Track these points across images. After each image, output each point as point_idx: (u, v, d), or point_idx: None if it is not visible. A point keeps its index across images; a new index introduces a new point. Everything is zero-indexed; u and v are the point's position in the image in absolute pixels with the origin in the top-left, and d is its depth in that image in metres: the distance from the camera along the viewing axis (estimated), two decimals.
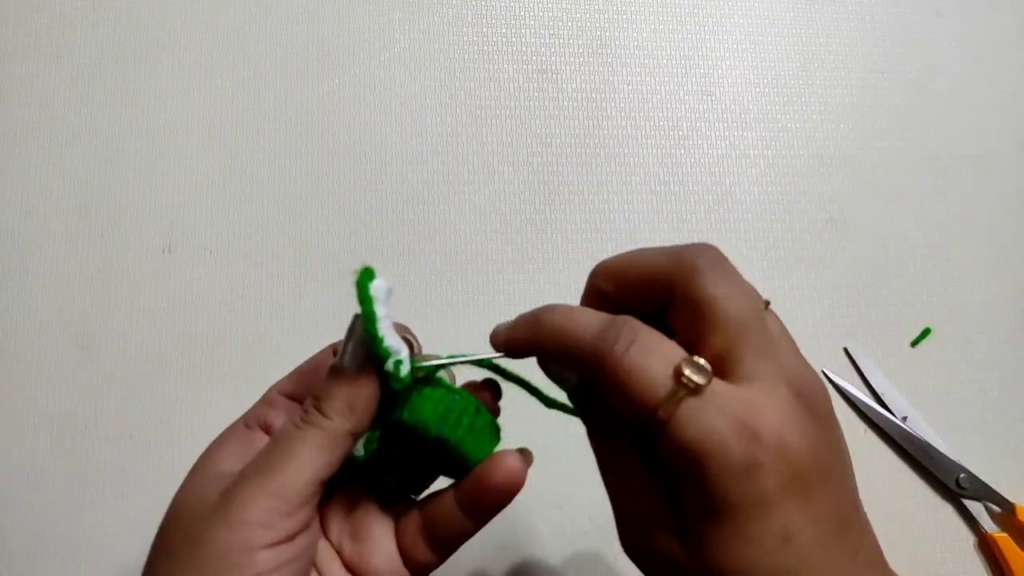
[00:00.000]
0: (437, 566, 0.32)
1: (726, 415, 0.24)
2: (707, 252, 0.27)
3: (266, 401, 0.33)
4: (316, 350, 0.34)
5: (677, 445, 0.24)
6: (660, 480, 0.26)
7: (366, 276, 0.27)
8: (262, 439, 0.31)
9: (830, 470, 0.25)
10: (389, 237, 0.54)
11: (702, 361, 0.25)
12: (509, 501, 0.31)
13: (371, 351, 0.28)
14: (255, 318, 0.51)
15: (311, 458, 0.28)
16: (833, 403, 0.28)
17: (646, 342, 0.26)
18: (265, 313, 0.52)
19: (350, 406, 0.28)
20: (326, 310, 0.51)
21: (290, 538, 0.27)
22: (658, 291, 0.28)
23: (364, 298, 0.27)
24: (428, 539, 0.31)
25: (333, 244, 0.53)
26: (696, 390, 0.24)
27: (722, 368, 0.25)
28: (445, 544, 0.32)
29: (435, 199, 0.55)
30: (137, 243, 0.53)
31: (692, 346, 0.26)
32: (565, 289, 0.54)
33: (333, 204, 0.54)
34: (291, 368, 0.34)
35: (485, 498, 0.31)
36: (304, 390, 0.32)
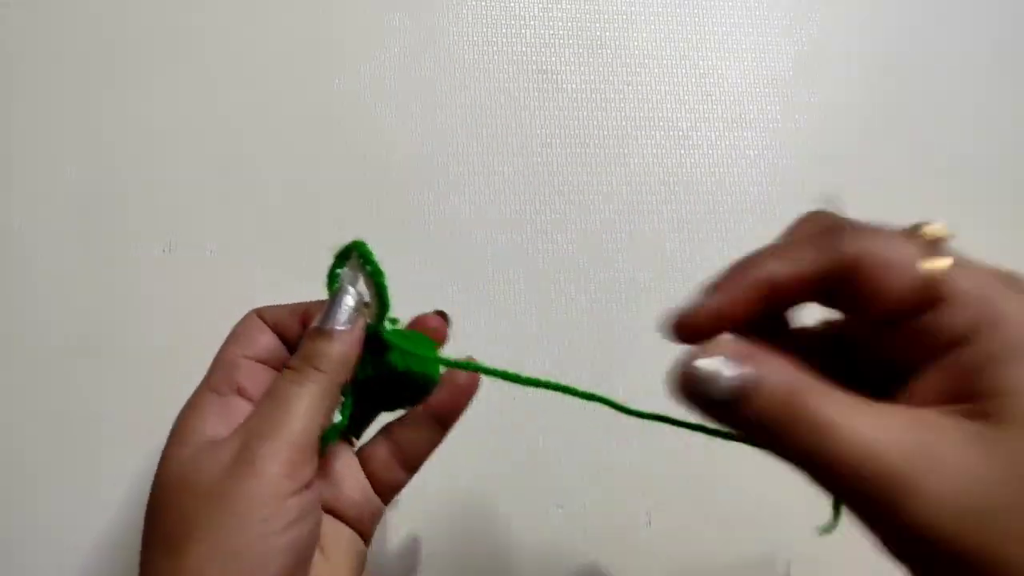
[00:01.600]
0: (406, 483, 0.35)
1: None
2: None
3: (228, 365, 0.33)
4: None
5: (954, 298, 0.22)
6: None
7: (363, 244, 0.32)
8: (240, 403, 0.32)
9: None
10: (389, 237, 0.54)
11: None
12: (475, 394, 0.35)
13: (378, 307, 0.32)
14: None
15: (315, 409, 0.30)
16: None
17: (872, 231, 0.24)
18: None
19: (343, 361, 0.31)
20: None
21: (308, 485, 0.29)
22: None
23: (369, 258, 0.31)
24: (401, 460, 0.35)
25: (332, 244, 0.53)
26: (943, 241, 0.23)
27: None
28: (417, 460, 0.35)
29: (435, 199, 0.55)
30: (137, 243, 0.53)
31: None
32: (565, 289, 0.54)
33: (333, 204, 0.54)
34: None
35: (457, 401, 0.34)
36: (293, 327, 0.34)
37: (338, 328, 0.31)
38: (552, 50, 0.59)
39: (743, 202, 0.58)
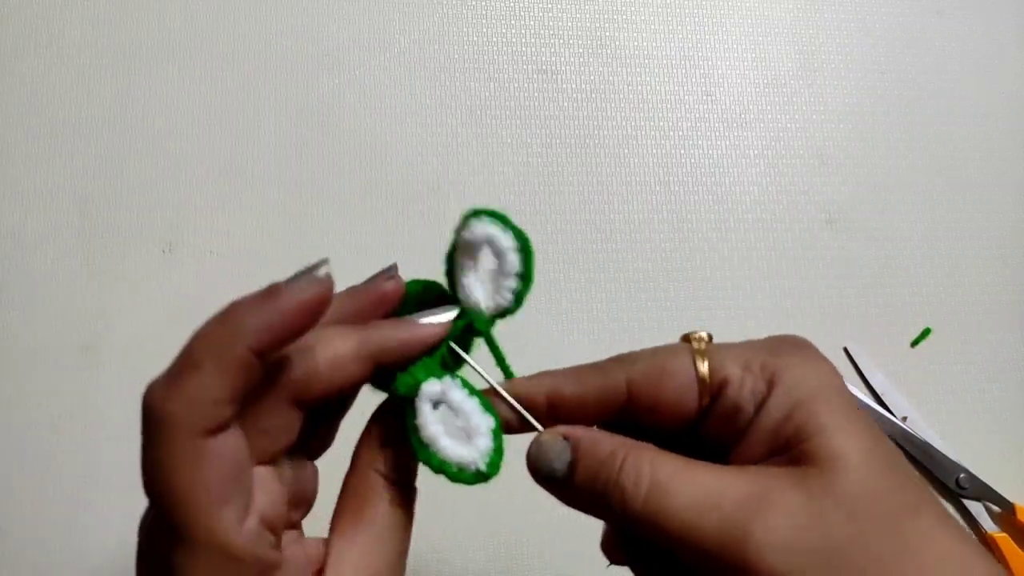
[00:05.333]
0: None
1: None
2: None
3: (251, 549, 0.24)
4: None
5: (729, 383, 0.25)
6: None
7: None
8: (259, 474, 0.25)
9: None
10: (388, 237, 0.54)
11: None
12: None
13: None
14: None
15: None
16: None
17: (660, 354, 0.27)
18: None
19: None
20: None
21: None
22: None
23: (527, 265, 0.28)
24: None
25: (333, 244, 0.53)
26: (708, 340, 0.26)
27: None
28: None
29: (435, 199, 0.55)
30: (137, 243, 0.53)
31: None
32: (565, 289, 0.54)
33: (333, 204, 0.54)
34: None
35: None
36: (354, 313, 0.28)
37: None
38: (552, 50, 0.59)
39: (743, 202, 0.58)
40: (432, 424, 0.26)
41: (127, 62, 0.56)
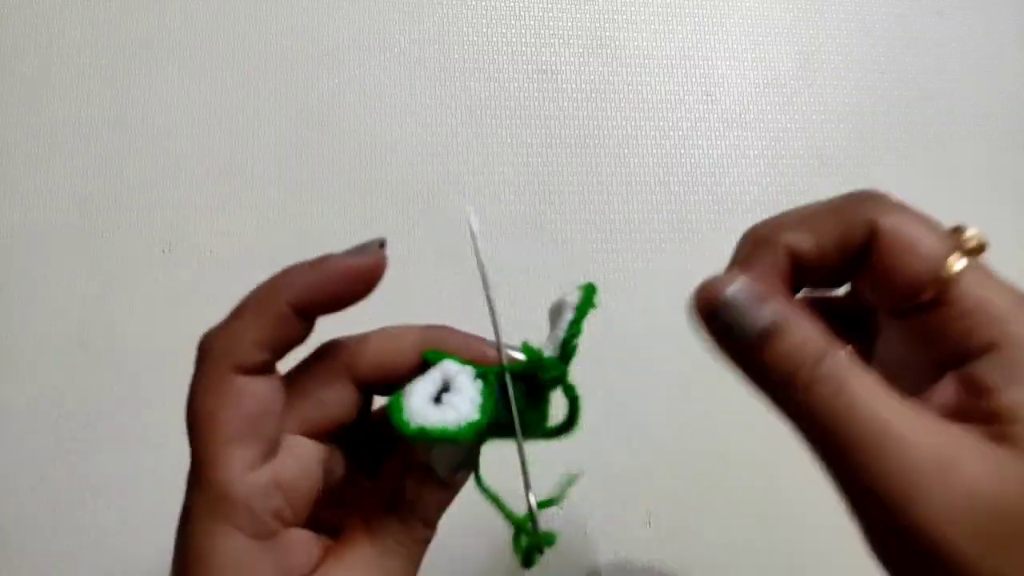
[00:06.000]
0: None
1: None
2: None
3: (250, 489, 0.24)
4: (314, 350, 0.30)
5: (967, 304, 0.22)
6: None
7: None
8: (295, 537, 0.25)
9: None
10: (388, 237, 0.54)
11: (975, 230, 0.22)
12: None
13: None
14: None
15: None
16: None
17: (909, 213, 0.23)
18: None
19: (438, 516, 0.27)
20: None
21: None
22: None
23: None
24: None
25: (332, 244, 0.53)
26: (978, 250, 0.22)
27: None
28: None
29: (435, 199, 0.55)
30: (137, 243, 0.53)
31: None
32: (564, 289, 0.54)
33: (333, 204, 0.54)
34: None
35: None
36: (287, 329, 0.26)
37: (459, 476, 0.26)
38: (552, 50, 0.59)
39: (743, 202, 0.58)
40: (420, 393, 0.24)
41: (127, 62, 0.56)
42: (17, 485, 0.48)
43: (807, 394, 0.21)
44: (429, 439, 0.23)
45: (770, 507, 0.51)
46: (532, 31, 0.59)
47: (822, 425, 0.21)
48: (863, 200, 0.24)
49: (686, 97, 0.59)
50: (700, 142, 0.58)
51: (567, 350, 0.27)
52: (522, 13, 0.60)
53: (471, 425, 0.24)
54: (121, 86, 0.55)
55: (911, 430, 0.21)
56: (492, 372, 0.26)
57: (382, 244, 0.26)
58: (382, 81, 0.57)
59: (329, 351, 0.26)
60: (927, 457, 0.20)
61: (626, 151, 0.58)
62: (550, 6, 0.60)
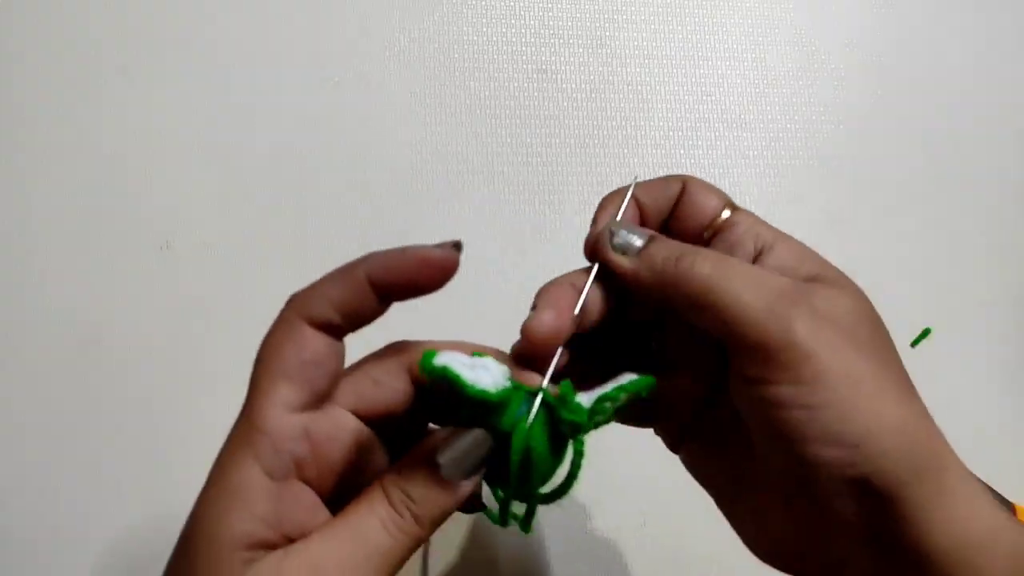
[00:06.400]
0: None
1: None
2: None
3: (279, 434, 0.25)
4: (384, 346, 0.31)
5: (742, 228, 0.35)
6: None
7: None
8: (300, 493, 0.26)
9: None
10: (388, 237, 0.54)
11: None
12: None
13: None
14: (254, 316, 0.51)
15: (397, 567, 0.26)
16: None
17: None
18: (264, 311, 0.51)
19: (445, 518, 0.26)
20: None
21: None
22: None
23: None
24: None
25: (332, 243, 0.53)
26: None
27: None
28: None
29: (435, 199, 0.55)
30: (136, 241, 0.53)
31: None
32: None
33: (332, 203, 0.54)
34: None
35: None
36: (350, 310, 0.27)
37: (464, 484, 0.26)
38: (552, 49, 0.59)
39: (743, 202, 0.57)
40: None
41: (127, 62, 0.56)
42: (17, 485, 0.48)
43: (679, 264, 0.30)
44: (448, 379, 0.24)
45: None
46: (532, 31, 0.59)
47: (702, 287, 0.29)
48: (679, 176, 0.34)
49: (686, 97, 0.59)
50: (700, 142, 0.58)
51: (598, 406, 0.27)
52: (522, 13, 0.60)
53: (503, 391, 0.26)
54: (121, 86, 0.55)
55: (747, 269, 0.30)
56: (527, 390, 0.27)
57: (458, 246, 0.28)
58: (382, 81, 0.57)
59: (397, 345, 0.29)
60: (784, 289, 0.29)
61: (626, 151, 0.58)
62: (550, 6, 0.60)
